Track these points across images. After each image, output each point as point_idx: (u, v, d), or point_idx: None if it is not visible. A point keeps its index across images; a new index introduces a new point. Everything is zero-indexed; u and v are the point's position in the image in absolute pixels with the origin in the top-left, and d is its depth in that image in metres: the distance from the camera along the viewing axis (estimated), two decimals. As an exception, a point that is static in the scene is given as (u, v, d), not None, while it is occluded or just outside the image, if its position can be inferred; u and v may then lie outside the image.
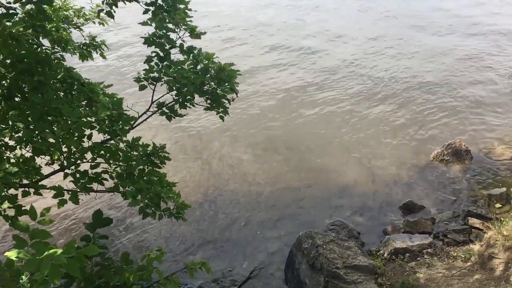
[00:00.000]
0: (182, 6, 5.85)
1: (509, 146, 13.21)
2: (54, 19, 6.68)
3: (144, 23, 5.70)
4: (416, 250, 9.02)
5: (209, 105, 6.18)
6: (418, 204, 10.99)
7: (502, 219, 9.39)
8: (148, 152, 5.92)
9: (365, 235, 10.11)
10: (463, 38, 22.70)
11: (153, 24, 5.67)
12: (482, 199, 10.97)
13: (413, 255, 8.90)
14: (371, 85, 17.39)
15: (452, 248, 9.05)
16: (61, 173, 5.92)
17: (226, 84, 6.06)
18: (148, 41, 5.76)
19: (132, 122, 5.68)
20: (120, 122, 5.38)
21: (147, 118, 5.99)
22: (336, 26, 24.68)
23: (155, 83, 5.90)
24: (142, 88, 5.86)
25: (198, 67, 5.97)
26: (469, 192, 11.51)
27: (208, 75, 5.94)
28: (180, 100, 5.98)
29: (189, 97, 5.95)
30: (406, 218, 10.45)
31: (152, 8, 5.92)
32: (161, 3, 5.84)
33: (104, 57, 7.43)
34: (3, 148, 5.58)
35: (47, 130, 4.90)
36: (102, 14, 6.61)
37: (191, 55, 5.95)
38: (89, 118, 5.23)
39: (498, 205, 10.50)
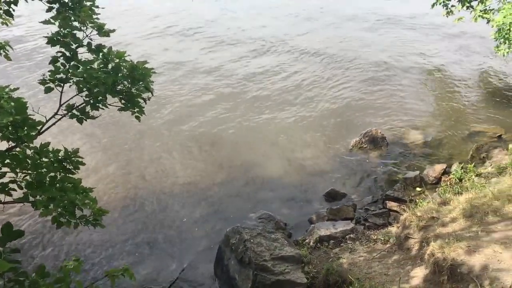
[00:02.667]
0: (88, 4, 5.59)
1: (421, 131, 14.04)
2: None
3: (46, 22, 5.36)
4: (340, 236, 9.36)
5: (123, 106, 5.95)
6: (340, 192, 11.40)
7: (417, 200, 10.00)
8: (60, 157, 5.58)
9: (292, 226, 10.34)
10: (381, 30, 23.70)
11: (57, 23, 5.35)
12: (398, 183, 11.59)
13: (337, 241, 9.21)
14: (291, 81, 17.68)
15: (372, 232, 9.49)
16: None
17: (141, 83, 5.87)
18: (52, 41, 5.42)
19: (39, 127, 5.34)
20: (25, 128, 5.03)
21: (56, 122, 5.65)
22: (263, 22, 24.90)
23: (62, 84, 5.57)
24: (48, 90, 5.52)
25: (109, 66, 5.72)
26: (386, 177, 12.13)
27: (120, 74, 5.72)
28: (91, 102, 5.70)
29: (100, 97, 5.69)
30: (329, 206, 10.80)
31: (56, 6, 5.59)
32: (66, 0, 5.54)
33: (9, 58, 6.92)
34: None
35: None
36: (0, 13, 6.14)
37: (101, 54, 5.68)
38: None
39: (418, 189, 11.14)
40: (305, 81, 17.49)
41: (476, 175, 11.02)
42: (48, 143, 5.51)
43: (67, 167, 5.65)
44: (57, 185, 5.51)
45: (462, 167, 11.54)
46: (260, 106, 15.57)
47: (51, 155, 5.53)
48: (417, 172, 11.83)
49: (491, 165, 11.58)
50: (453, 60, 19.40)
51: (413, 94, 16.49)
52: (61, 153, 5.64)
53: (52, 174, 5.53)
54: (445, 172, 11.76)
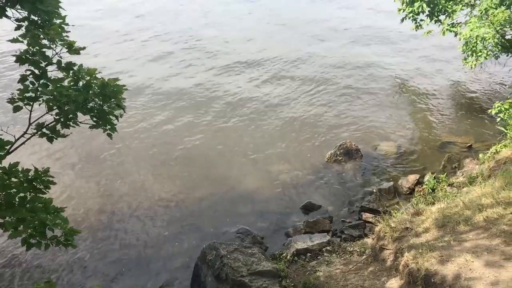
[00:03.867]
0: (58, 21, 5.54)
1: (394, 142, 14.27)
2: None
3: (14, 40, 5.29)
4: (317, 249, 9.39)
5: (95, 123, 5.89)
6: (317, 204, 11.46)
7: (391, 211, 10.12)
8: (30, 177, 5.49)
9: (269, 240, 10.33)
10: (350, 44, 24.08)
11: (25, 41, 5.28)
12: (373, 194, 11.74)
13: (314, 254, 9.24)
14: (265, 95, 17.77)
15: (348, 244, 9.56)
16: None
17: (112, 100, 5.83)
18: (20, 59, 5.35)
19: (7, 147, 5.24)
20: (-6, 148, 4.93)
21: (25, 141, 5.55)
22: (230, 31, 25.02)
23: (31, 103, 5.49)
24: (16, 109, 5.42)
25: (80, 83, 5.67)
26: (362, 188, 12.26)
27: (92, 92, 5.67)
28: (62, 120, 5.63)
29: (71, 115, 5.62)
30: (306, 219, 10.84)
31: (25, 24, 5.52)
32: (35, 18, 5.47)
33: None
34: None
35: None
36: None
37: (71, 71, 5.63)
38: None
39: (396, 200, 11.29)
40: (278, 96, 17.61)
41: (448, 185, 11.26)
42: (17, 163, 5.41)
43: (38, 186, 5.55)
44: (27, 205, 5.41)
45: (434, 177, 11.77)
46: (235, 120, 15.61)
47: (20, 175, 5.44)
48: (391, 183, 12.02)
49: (462, 174, 11.85)
50: (423, 72, 19.82)
51: (385, 106, 16.76)
52: (31, 173, 5.55)
53: (22, 194, 5.43)
54: (419, 182, 11.97)
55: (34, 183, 5.53)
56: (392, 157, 13.54)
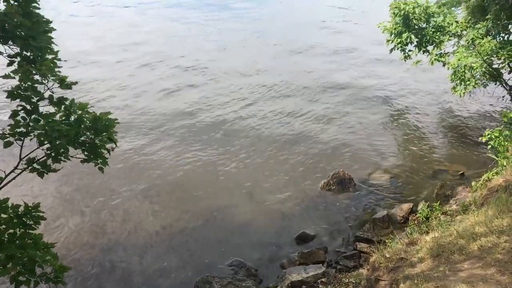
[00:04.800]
0: (50, 57, 5.59)
1: (387, 171, 14.31)
2: None
3: (6, 76, 5.31)
4: (311, 281, 9.26)
5: (86, 157, 5.87)
6: (311, 235, 11.38)
7: (386, 241, 10.05)
8: (20, 213, 5.44)
9: (263, 272, 10.21)
10: (344, 69, 24.32)
11: (17, 77, 5.31)
12: (367, 223, 11.68)
13: (309, 286, 9.12)
14: (256, 123, 17.79)
15: (344, 275, 9.43)
16: None
17: (104, 134, 5.84)
18: (12, 95, 5.37)
19: (-2, 183, 5.21)
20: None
21: (15, 177, 5.51)
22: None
23: (22, 138, 5.48)
24: (7, 145, 5.41)
25: (72, 118, 5.68)
26: (356, 218, 12.21)
27: (83, 126, 5.67)
28: (53, 154, 5.61)
29: (62, 150, 5.60)
30: (300, 250, 10.74)
31: (17, 59, 5.57)
32: (27, 53, 5.53)
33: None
34: None
35: None
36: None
37: (63, 106, 5.65)
38: None
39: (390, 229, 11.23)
40: (270, 122, 17.62)
41: (442, 213, 11.24)
42: (7, 199, 5.37)
43: (27, 222, 5.49)
44: (17, 242, 5.34)
45: (428, 206, 11.77)
46: (227, 149, 15.57)
47: (10, 210, 5.38)
48: (385, 212, 11.99)
49: (455, 202, 11.85)
50: (414, 100, 20.04)
51: (377, 135, 16.87)
52: (21, 208, 5.50)
53: (11, 230, 5.36)
54: (412, 211, 11.95)
55: (24, 218, 5.48)
56: (385, 186, 13.54)
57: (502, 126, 12.01)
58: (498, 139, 11.60)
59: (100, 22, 32.20)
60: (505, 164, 11.26)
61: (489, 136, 11.75)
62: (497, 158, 11.94)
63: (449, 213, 11.05)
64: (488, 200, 9.86)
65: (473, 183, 12.12)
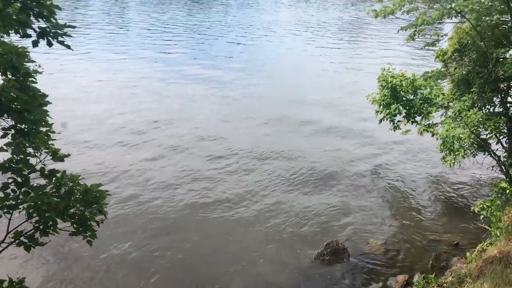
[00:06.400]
0: (44, 129, 5.69)
1: (381, 241, 14.13)
2: None
3: (-1, 149, 5.38)
4: None
5: (75, 230, 5.81)
6: (304, 309, 11.02)
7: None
8: (3, 288, 5.28)
9: None
10: (330, 138, 24.66)
11: (9, 150, 5.37)
12: (363, 296, 11.38)
13: None
14: (245, 191, 17.69)
15: None
16: None
17: (94, 206, 5.81)
18: (3, 168, 5.41)
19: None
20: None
21: (1, 251, 5.41)
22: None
23: (11, 211, 5.44)
24: (-5, 218, 5.38)
25: (62, 190, 5.68)
26: (350, 290, 11.90)
27: (73, 198, 5.66)
28: (41, 227, 5.54)
29: (51, 223, 5.55)
30: (294, 326, 10.35)
31: (11, 132, 5.66)
32: (21, 126, 5.63)
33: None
34: None
35: None
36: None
37: (54, 178, 5.67)
38: None
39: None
40: (260, 190, 17.50)
41: (438, 286, 10.99)
42: (-9, 274, 5.22)
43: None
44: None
45: (423, 278, 11.52)
46: (215, 218, 15.30)
47: (-7, 286, 5.23)
48: (380, 284, 11.72)
49: (451, 274, 11.64)
50: (405, 169, 20.20)
51: (369, 204, 16.81)
52: (5, 284, 5.35)
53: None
54: (408, 283, 11.70)
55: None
56: (379, 256, 13.32)
57: (493, 196, 12.09)
58: (490, 209, 11.63)
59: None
60: (498, 234, 11.21)
61: (481, 206, 11.80)
62: (490, 229, 11.90)
63: (445, 285, 10.82)
64: (484, 272, 9.71)
65: (468, 254, 11.98)
